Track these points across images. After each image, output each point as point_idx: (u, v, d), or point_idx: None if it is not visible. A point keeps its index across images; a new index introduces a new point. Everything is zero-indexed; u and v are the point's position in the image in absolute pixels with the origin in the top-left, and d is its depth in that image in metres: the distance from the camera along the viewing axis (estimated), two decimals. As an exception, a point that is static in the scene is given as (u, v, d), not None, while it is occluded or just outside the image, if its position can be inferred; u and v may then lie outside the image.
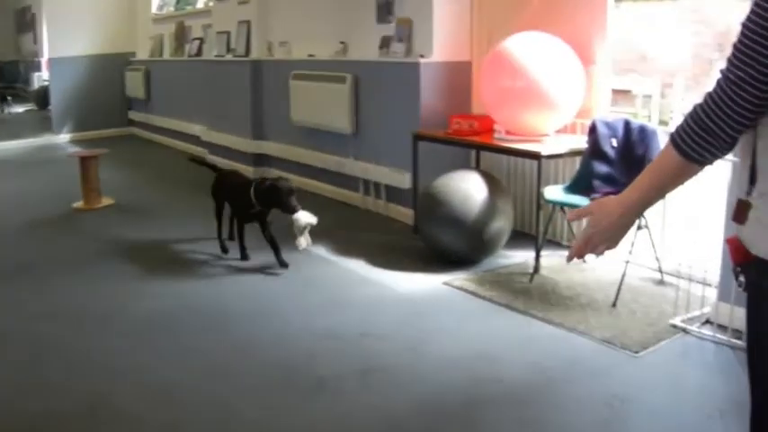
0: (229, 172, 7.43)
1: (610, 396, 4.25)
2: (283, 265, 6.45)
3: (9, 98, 19.76)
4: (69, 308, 5.70)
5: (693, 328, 5.06)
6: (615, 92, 6.78)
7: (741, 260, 2.02)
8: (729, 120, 1.84)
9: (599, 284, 5.92)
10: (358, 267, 6.48)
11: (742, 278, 2.05)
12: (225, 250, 6.90)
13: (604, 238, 2.19)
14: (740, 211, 1.97)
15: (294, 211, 6.23)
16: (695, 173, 2.00)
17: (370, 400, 4.26)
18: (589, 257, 2.38)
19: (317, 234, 7.30)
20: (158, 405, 4.22)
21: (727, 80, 1.84)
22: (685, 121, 1.95)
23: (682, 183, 2.06)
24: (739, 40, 1.82)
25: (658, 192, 2.11)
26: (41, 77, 18.25)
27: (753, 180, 1.94)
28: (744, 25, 1.81)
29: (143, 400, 4.27)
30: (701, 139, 1.90)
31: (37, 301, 5.86)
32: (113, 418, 4.11)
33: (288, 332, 5.17)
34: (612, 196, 2.23)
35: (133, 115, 14.66)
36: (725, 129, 1.85)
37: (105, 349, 4.95)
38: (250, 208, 6.42)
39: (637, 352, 4.76)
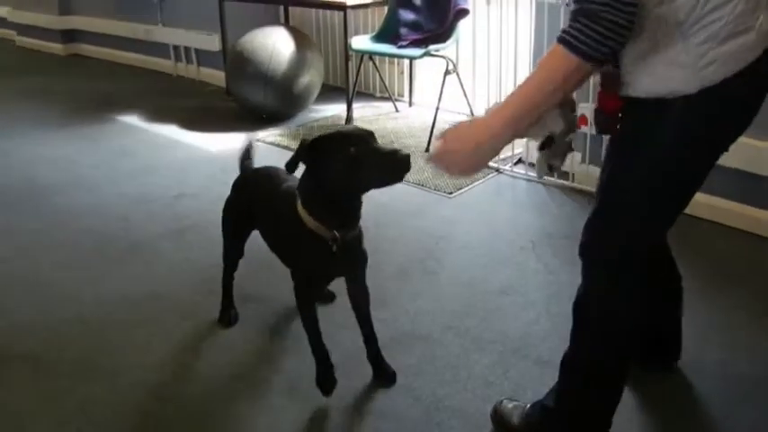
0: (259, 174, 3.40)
1: (425, 236, 4.15)
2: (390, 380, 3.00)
3: None
4: None
5: (506, 167, 4.99)
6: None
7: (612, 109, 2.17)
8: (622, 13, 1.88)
9: (411, 131, 5.79)
10: (170, 132, 6.14)
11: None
12: (230, 322, 3.44)
13: (456, 167, 2.20)
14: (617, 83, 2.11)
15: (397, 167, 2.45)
16: (586, 76, 2.00)
17: (185, 257, 4.09)
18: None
19: (126, 103, 6.96)
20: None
21: None
22: (577, 22, 1.92)
23: (566, 88, 2.03)
24: None
25: (535, 106, 2.04)
26: None
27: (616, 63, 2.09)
28: None
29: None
30: (600, 36, 1.90)
31: None
32: None
33: (101, 201, 4.85)
34: (473, 121, 2.19)
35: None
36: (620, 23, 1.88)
37: None
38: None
39: (450, 193, 4.66)
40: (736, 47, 1.97)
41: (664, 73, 2.03)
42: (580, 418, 2.50)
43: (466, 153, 2.12)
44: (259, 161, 4.77)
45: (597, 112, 2.28)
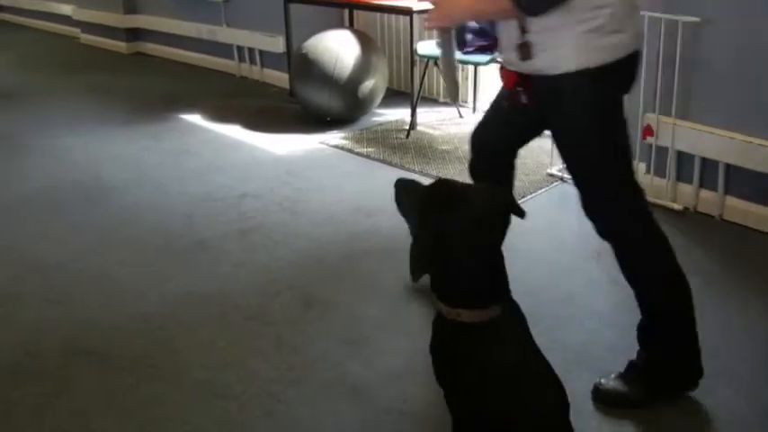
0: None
1: (489, 243, 4.15)
2: None
3: None
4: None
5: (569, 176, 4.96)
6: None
7: (513, 84, 2.80)
8: None
9: (475, 137, 5.80)
10: (234, 133, 6.20)
11: (522, 97, 2.79)
12: None
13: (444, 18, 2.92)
14: (527, 51, 2.66)
15: None
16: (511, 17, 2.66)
17: (250, 258, 4.13)
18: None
19: (190, 102, 7.03)
20: (42, 281, 3.97)
21: None
22: None
23: (498, 18, 2.81)
24: None
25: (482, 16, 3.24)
26: None
27: (524, 30, 2.64)
28: None
29: (26, 278, 4.02)
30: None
31: None
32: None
33: (166, 199, 4.94)
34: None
35: (1, 0, 13.78)
36: None
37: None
38: None
39: (514, 200, 4.66)
40: (616, 40, 2.59)
41: (570, 51, 2.60)
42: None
43: (451, 9, 2.86)
44: (322, 165, 4.83)
45: (504, 90, 2.94)
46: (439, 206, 2.20)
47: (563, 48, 2.60)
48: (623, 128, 2.80)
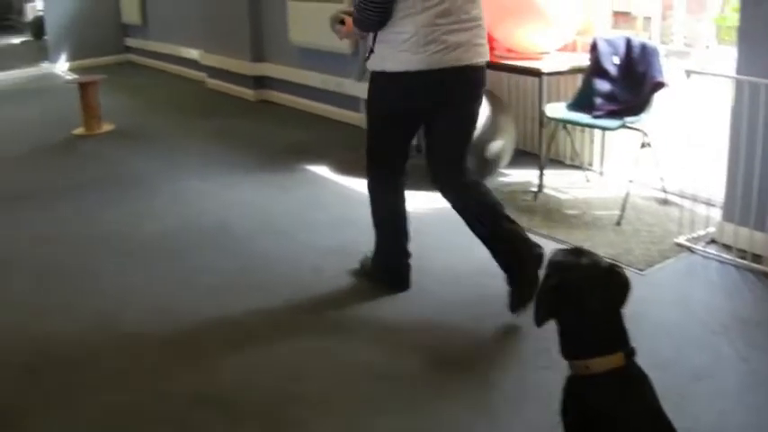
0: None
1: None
2: None
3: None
4: (73, 233, 5.60)
5: (698, 247, 4.96)
6: (616, 14, 6.60)
7: None
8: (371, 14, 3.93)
9: (603, 203, 5.82)
10: (362, 187, 6.30)
11: None
12: None
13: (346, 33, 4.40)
14: (369, 55, 4.11)
15: None
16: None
17: (378, 315, 4.25)
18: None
19: (317, 153, 7.20)
20: (164, 324, 4.17)
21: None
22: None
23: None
24: None
25: (354, 31, 4.26)
26: (35, 8, 17.04)
27: (375, 40, 4.02)
28: None
29: (148, 321, 4.22)
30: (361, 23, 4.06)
31: (40, 226, 5.77)
32: (120, 337, 4.07)
33: (293, 249, 5.11)
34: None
35: (130, 42, 14.11)
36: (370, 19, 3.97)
37: (109, 272, 4.88)
38: None
39: (642, 270, 4.68)
40: (404, 57, 3.91)
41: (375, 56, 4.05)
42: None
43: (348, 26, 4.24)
44: (448, 223, 4.89)
45: None
46: (562, 264, 2.54)
47: (377, 54, 4.03)
48: (391, 122, 4.33)
